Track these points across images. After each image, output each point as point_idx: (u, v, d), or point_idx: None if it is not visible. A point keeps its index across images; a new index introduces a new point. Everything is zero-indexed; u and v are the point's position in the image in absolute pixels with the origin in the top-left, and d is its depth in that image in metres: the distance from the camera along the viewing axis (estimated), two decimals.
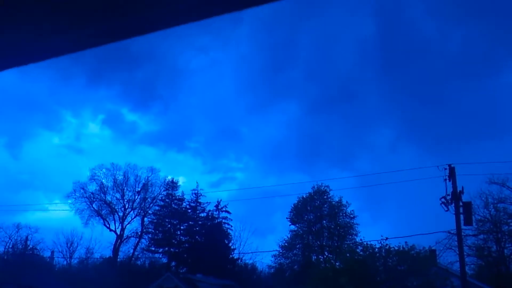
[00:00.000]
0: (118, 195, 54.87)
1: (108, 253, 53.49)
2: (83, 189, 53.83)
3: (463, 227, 26.75)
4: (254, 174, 79.08)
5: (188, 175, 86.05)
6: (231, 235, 54.11)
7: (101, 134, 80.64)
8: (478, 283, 33.65)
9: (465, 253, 29.99)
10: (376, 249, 30.72)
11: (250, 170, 78.40)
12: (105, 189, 54.58)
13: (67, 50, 1.45)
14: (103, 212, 54.19)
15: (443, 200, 26.52)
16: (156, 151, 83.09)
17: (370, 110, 70.73)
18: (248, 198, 71.54)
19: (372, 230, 69.49)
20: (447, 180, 26.81)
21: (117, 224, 53.99)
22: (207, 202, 55.56)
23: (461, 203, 25.97)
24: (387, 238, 30.57)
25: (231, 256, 53.78)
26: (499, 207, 42.25)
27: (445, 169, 27.20)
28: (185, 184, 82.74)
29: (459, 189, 26.22)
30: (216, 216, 55.60)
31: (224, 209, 55.18)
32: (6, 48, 1.41)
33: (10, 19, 1.31)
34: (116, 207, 54.55)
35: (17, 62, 1.51)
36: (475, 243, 42.67)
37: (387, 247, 30.30)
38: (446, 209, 26.33)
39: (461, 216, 25.96)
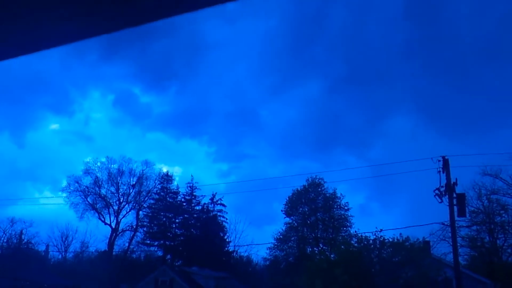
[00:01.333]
0: (113, 189, 54.86)
1: (103, 246, 53.58)
2: (77, 182, 53.74)
3: (456, 218, 26.95)
4: (265, 161, 78.00)
5: (197, 163, 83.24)
6: (226, 228, 54.30)
7: (106, 118, 79.68)
8: (471, 274, 33.99)
9: (458, 244, 30.24)
10: (371, 241, 30.92)
11: (261, 157, 77.18)
12: (100, 182, 54.51)
13: (77, 37, 1.45)
14: (98, 205, 54.15)
15: (437, 192, 26.69)
16: (166, 137, 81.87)
17: (390, 94, 68.73)
18: (249, 190, 71.72)
19: (367, 222, 69.81)
20: (441, 172, 26.97)
21: (112, 218, 54.03)
22: (202, 195, 55.69)
23: (454, 195, 26.16)
24: (381, 230, 30.79)
25: (226, 248, 53.98)
26: (492, 199, 42.59)
27: (439, 161, 27.35)
28: (191, 172, 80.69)
29: (452, 180, 26.40)
30: (212, 209, 55.72)
31: (219, 201, 55.31)
32: (19, 35, 1.41)
33: (22, 8, 1.31)
34: (111, 201, 54.54)
35: (30, 49, 1.51)
36: (468, 234, 43.05)
37: (382, 238, 30.51)
38: (440, 200, 26.52)
39: (455, 208, 26.15)
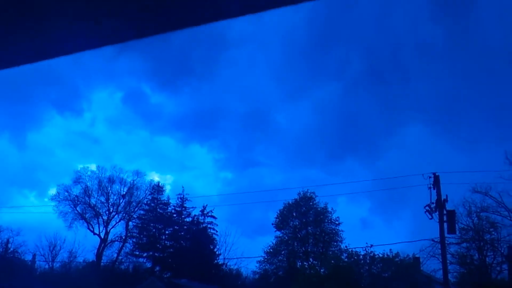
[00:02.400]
0: (102, 198, 54.45)
1: (91, 257, 52.94)
2: (67, 191, 53.31)
3: (446, 235, 27.09)
4: (272, 170, 76.42)
5: (202, 169, 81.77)
6: (216, 240, 53.99)
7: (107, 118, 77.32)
8: None
9: (448, 261, 30.35)
10: (361, 256, 30.98)
11: (269, 165, 75.33)
12: (90, 192, 54.10)
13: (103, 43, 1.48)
14: (87, 215, 53.66)
15: (427, 208, 26.86)
16: (173, 142, 79.79)
17: (407, 99, 65.29)
18: (243, 202, 71.16)
19: (358, 237, 69.51)
20: (432, 188, 27.17)
21: (101, 228, 53.53)
22: (192, 207, 55.44)
23: (445, 212, 26.33)
24: (372, 246, 30.88)
25: (216, 261, 53.60)
26: (482, 216, 42.81)
27: (430, 177, 27.57)
28: (191, 179, 79.04)
29: (443, 197, 26.59)
30: (202, 221, 55.44)
31: (210, 213, 55.07)
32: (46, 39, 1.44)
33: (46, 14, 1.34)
34: (100, 211, 54.07)
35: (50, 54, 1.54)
36: (457, 251, 43.14)
37: (372, 254, 30.59)
38: (430, 217, 26.68)
39: (445, 224, 26.30)
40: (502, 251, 41.27)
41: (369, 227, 64.18)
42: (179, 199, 55.69)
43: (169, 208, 56.40)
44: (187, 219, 56.09)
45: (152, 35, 1.40)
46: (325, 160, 74.56)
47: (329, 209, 50.49)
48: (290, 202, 50.67)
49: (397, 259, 30.51)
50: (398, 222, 62.99)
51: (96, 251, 52.15)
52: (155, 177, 79.49)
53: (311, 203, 51.01)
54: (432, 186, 27.27)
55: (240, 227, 76.08)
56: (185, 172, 78.17)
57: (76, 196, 53.60)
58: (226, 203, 67.56)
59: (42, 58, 1.55)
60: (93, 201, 54.08)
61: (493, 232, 42.70)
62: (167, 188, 63.96)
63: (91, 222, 53.58)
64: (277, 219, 51.15)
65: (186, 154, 77.32)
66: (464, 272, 43.78)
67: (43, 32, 1.40)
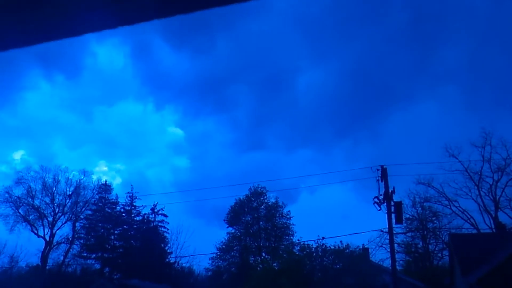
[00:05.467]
0: (47, 199, 52.14)
1: (35, 260, 50.59)
2: (8, 193, 50.62)
3: (394, 225, 28.10)
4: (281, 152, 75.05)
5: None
6: (167, 239, 53.20)
7: None
8: (406, 278, 35.53)
9: (395, 250, 31.54)
10: (313, 249, 31.56)
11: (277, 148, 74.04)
12: (33, 193, 51.66)
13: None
14: (30, 217, 51.22)
15: (376, 200, 27.72)
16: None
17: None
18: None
19: (309, 230, 70.76)
20: (380, 181, 28.07)
21: (46, 230, 51.27)
22: (142, 206, 54.29)
23: (392, 203, 27.29)
24: (323, 238, 31.53)
25: (167, 260, 52.84)
26: (425, 206, 44.96)
27: (378, 170, 28.47)
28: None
29: (390, 189, 27.54)
30: (152, 219, 54.44)
31: (160, 212, 54.16)
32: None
33: None
34: (45, 212, 51.79)
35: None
36: (403, 240, 45.13)
37: (324, 246, 31.25)
38: (378, 208, 27.56)
39: (393, 215, 27.27)
40: (443, 238, 43.55)
41: (321, 221, 65.48)
42: (128, 198, 54.43)
43: (118, 207, 54.98)
44: (137, 218, 54.91)
45: (174, 15, 1.32)
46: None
47: (280, 204, 51.18)
48: (242, 198, 50.87)
49: (347, 251, 31.36)
50: (348, 214, 64.75)
51: (40, 254, 49.94)
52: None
53: (262, 198, 51.43)
54: (380, 178, 28.18)
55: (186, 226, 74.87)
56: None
57: (18, 197, 51.06)
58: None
59: (53, 38, 1.44)
60: (37, 202, 51.74)
61: (435, 221, 45.01)
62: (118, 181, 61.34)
63: (35, 224, 51.26)
64: (229, 215, 51.21)
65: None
66: (409, 260, 45.86)
67: (57, 10, 1.29)
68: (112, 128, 78.12)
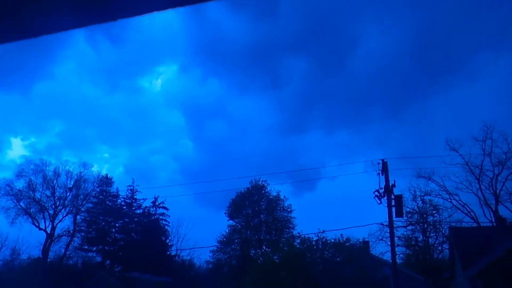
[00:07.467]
0: (48, 192, 52.20)
1: (37, 253, 50.76)
2: (9, 186, 50.69)
3: (394, 219, 28.14)
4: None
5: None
6: (168, 232, 53.34)
7: None
8: (406, 271, 35.68)
9: (395, 244, 31.63)
10: (314, 242, 31.64)
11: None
12: (34, 186, 51.71)
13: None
14: (31, 210, 51.31)
15: (376, 193, 27.75)
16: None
17: None
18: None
19: (310, 224, 70.63)
20: (380, 174, 28.08)
21: (47, 223, 51.36)
22: (143, 198, 54.39)
23: (393, 196, 27.31)
24: (324, 231, 31.60)
25: (168, 252, 53.02)
26: (426, 199, 45.01)
27: (378, 163, 28.47)
28: None
29: (391, 183, 27.55)
30: (153, 212, 54.57)
31: (161, 205, 54.27)
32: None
33: None
34: (46, 205, 51.86)
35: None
36: (404, 233, 45.22)
37: (324, 239, 31.32)
38: (379, 202, 27.59)
39: (393, 209, 27.30)
40: (444, 231, 43.62)
41: (322, 214, 65.38)
42: (129, 191, 54.52)
43: (119, 200, 55.10)
44: (138, 211, 55.04)
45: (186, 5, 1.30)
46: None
47: (282, 197, 51.24)
48: (242, 191, 50.93)
49: (347, 244, 31.44)
50: (349, 208, 64.52)
51: (42, 247, 50.10)
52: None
53: (263, 191, 51.48)
54: (380, 172, 28.19)
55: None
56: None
57: (19, 190, 51.13)
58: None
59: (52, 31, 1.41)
60: (38, 195, 51.80)
61: (435, 215, 45.07)
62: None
63: (36, 217, 51.36)
64: (230, 208, 51.29)
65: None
66: (409, 253, 45.99)
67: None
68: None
